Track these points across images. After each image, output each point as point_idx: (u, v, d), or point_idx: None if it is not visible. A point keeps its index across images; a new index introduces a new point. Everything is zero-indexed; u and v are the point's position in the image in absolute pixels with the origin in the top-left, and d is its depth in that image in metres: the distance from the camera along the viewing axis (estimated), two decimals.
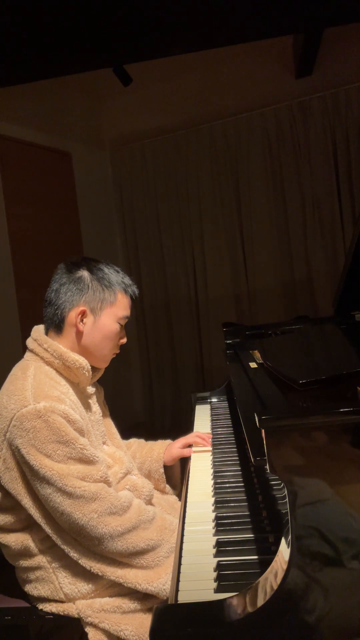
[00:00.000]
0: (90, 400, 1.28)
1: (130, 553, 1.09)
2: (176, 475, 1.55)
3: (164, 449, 1.51)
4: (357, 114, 3.49)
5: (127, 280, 1.28)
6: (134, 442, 1.57)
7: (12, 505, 1.12)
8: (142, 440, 1.58)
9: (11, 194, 3.26)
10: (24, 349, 1.24)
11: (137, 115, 4.16)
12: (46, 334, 1.23)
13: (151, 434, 1.78)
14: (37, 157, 3.55)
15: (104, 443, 1.30)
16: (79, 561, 1.09)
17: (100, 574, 1.09)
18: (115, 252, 4.36)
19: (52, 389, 1.11)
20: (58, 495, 1.04)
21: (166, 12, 2.30)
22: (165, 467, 1.50)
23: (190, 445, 1.54)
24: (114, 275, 1.25)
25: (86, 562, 1.09)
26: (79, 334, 1.21)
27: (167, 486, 1.49)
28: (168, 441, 1.56)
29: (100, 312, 1.22)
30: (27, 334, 1.24)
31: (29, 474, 1.07)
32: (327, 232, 3.66)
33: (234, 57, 3.71)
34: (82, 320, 1.20)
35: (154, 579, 1.09)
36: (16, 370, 1.18)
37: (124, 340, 1.30)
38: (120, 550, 1.08)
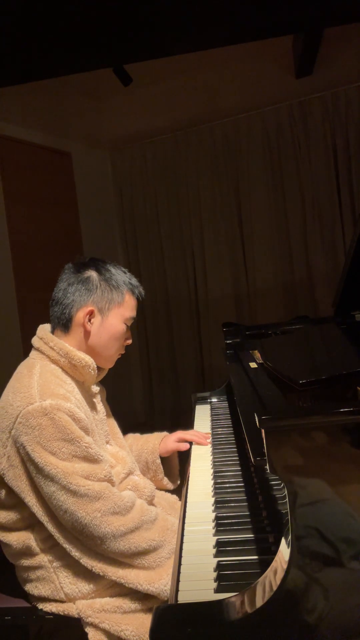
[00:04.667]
0: (94, 400, 1.29)
1: (132, 553, 1.09)
2: (174, 468, 1.56)
3: (160, 441, 1.52)
4: (357, 114, 3.49)
5: (134, 281, 1.30)
6: (129, 436, 1.58)
7: (15, 503, 1.12)
8: (137, 434, 1.59)
9: (11, 194, 3.26)
10: (24, 348, 1.24)
11: (137, 115, 4.16)
12: (52, 332, 1.24)
13: None
14: (37, 157, 3.55)
15: (107, 442, 1.31)
16: (81, 560, 1.09)
17: (101, 573, 1.09)
18: (115, 252, 4.35)
19: (58, 387, 1.12)
20: (62, 493, 1.04)
21: (166, 12, 2.30)
22: (163, 460, 1.50)
23: (187, 441, 1.54)
24: (122, 276, 1.26)
25: (87, 562, 1.09)
26: (87, 334, 1.22)
27: (165, 478, 1.49)
28: (164, 433, 1.57)
29: (108, 312, 1.23)
30: (27, 333, 1.24)
31: (34, 472, 1.07)
32: (327, 232, 3.65)
33: (234, 57, 3.71)
34: (89, 320, 1.22)
35: (155, 579, 1.09)
36: (22, 368, 1.19)
37: (129, 341, 1.31)
38: (122, 550, 1.08)
